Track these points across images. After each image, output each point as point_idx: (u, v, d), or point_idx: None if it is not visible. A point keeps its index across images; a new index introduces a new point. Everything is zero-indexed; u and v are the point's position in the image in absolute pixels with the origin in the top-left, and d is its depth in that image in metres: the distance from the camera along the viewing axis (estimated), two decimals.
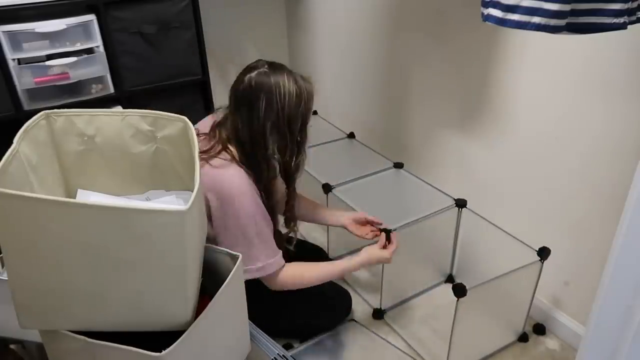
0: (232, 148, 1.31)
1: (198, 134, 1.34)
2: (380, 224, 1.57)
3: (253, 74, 1.26)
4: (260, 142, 1.28)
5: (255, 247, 1.31)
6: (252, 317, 1.25)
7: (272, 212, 1.37)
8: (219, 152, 1.31)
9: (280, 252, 1.37)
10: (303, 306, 1.52)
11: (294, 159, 1.35)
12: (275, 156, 1.32)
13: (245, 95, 1.27)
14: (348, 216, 1.61)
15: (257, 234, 1.30)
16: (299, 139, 1.32)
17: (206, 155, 1.31)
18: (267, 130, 1.27)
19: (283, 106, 1.26)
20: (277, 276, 1.36)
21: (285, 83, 1.26)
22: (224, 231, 1.30)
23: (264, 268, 1.33)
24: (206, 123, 1.42)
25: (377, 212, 1.61)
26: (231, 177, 1.28)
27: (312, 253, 1.75)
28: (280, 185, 1.43)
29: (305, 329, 1.59)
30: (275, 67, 1.28)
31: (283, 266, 1.37)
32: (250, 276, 1.33)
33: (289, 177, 1.40)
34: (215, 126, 1.36)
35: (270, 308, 1.46)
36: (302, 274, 1.40)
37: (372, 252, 1.46)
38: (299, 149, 1.34)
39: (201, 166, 1.24)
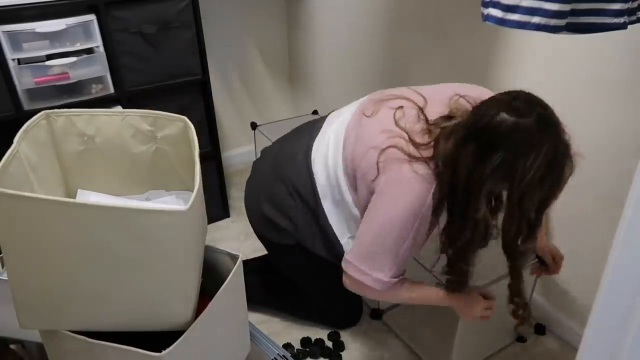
0: (435, 165, 1.09)
1: (423, 107, 1.17)
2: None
3: (512, 118, 0.98)
4: (474, 198, 1.04)
5: (386, 254, 1.17)
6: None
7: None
8: (425, 161, 1.10)
9: (403, 276, 1.23)
10: (320, 289, 1.52)
11: (519, 241, 1.09)
12: (493, 223, 1.09)
13: (488, 132, 1.00)
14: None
15: (391, 248, 1.16)
16: (531, 220, 1.06)
17: (413, 153, 1.11)
18: (492, 184, 1.02)
19: (526, 173, 0.98)
20: (395, 289, 1.22)
21: (542, 151, 0.97)
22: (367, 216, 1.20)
23: (382, 282, 1.19)
24: (442, 93, 1.21)
25: None
26: (415, 193, 1.10)
27: None
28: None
29: (307, 309, 1.60)
30: (544, 124, 0.99)
31: (404, 283, 1.24)
32: (360, 277, 1.20)
33: (510, 258, 1.18)
34: (442, 120, 1.12)
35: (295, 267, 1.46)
36: (418, 288, 1.26)
37: (478, 301, 1.24)
38: (529, 233, 1.08)
39: (398, 161, 1.11)
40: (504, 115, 0.98)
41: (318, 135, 1.39)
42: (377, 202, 1.17)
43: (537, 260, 1.39)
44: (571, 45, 1.30)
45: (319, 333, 1.60)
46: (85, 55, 1.76)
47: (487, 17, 0.93)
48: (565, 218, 1.46)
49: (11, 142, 0.96)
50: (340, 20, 2.20)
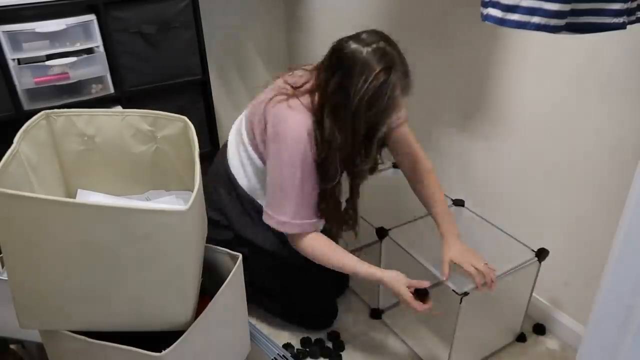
0: (315, 97, 1.22)
1: (299, 67, 1.35)
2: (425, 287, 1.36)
3: (354, 45, 1.15)
4: (322, 118, 1.19)
5: (287, 199, 1.25)
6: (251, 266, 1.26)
7: (330, 183, 1.28)
8: (303, 94, 1.24)
9: (315, 220, 1.30)
10: (293, 289, 1.52)
11: (356, 159, 1.24)
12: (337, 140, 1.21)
13: (333, 57, 1.18)
14: (447, 254, 1.37)
15: (293, 186, 1.24)
16: (364, 142, 1.20)
17: (291, 92, 1.25)
18: (327, 110, 1.18)
19: (353, 97, 1.14)
20: (299, 239, 1.30)
21: (371, 76, 1.12)
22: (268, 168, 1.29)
23: (284, 224, 1.28)
24: (294, 76, 1.36)
25: (374, 211, 1.61)
26: (296, 122, 1.21)
27: None
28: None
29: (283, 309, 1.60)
30: (379, 53, 1.14)
31: (310, 233, 1.30)
32: (270, 223, 1.30)
33: (350, 176, 1.31)
34: (317, 68, 1.27)
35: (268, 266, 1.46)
36: (327, 252, 1.32)
37: (398, 282, 1.29)
38: (364, 153, 1.23)
39: (278, 102, 1.24)
40: (349, 43, 1.16)
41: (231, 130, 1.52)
42: (268, 149, 1.27)
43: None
44: (571, 46, 1.30)
45: (319, 333, 1.60)
46: (85, 55, 1.76)
47: (486, 17, 0.93)
48: (565, 218, 1.46)
49: (11, 142, 0.96)
50: (339, 20, 2.20)
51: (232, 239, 1.43)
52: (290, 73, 1.38)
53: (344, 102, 1.15)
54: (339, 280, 1.71)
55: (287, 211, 1.26)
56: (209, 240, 1.25)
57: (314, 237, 1.32)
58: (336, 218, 1.37)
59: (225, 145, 1.52)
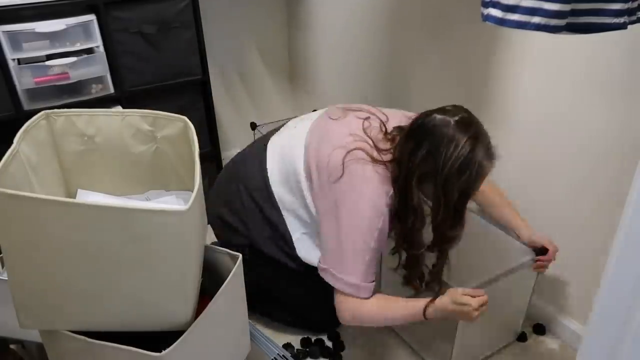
0: (398, 168, 1.22)
1: (380, 121, 1.33)
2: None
3: (439, 116, 1.17)
4: (409, 187, 1.19)
5: (351, 260, 1.24)
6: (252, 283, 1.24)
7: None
8: (384, 162, 1.24)
9: (373, 283, 1.27)
10: (297, 298, 1.52)
11: (447, 227, 1.22)
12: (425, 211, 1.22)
13: (418, 129, 1.19)
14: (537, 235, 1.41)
15: (365, 250, 1.23)
16: (455, 209, 1.19)
17: (376, 156, 1.24)
18: (415, 179, 1.18)
19: (443, 167, 1.14)
20: (362, 304, 1.25)
21: (460, 144, 1.13)
22: (326, 218, 1.27)
23: (359, 288, 1.23)
24: (400, 114, 1.37)
25: None
26: (377, 190, 1.22)
27: None
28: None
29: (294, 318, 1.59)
30: (464, 124, 1.17)
31: (370, 296, 1.26)
32: (337, 285, 1.25)
33: (438, 244, 1.28)
34: (400, 137, 1.25)
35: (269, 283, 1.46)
36: (385, 311, 1.27)
37: (462, 298, 1.20)
38: (454, 221, 1.22)
39: (360, 162, 1.22)
40: (434, 115, 1.18)
41: (274, 136, 1.47)
42: (341, 204, 1.24)
43: (535, 258, 1.39)
44: (571, 46, 1.30)
45: (319, 333, 1.60)
46: (85, 55, 1.76)
47: (487, 17, 0.93)
48: (565, 218, 1.46)
49: (11, 142, 0.96)
50: (340, 20, 2.20)
51: (246, 247, 1.41)
52: (367, 116, 1.35)
53: (434, 170, 1.15)
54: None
55: (355, 271, 1.23)
56: (226, 244, 1.25)
57: (375, 298, 1.27)
58: (418, 282, 1.35)
59: (260, 150, 1.45)
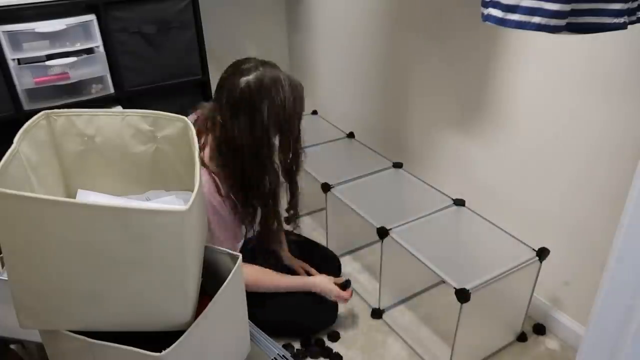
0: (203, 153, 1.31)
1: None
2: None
3: (250, 77, 1.22)
4: (265, 145, 1.27)
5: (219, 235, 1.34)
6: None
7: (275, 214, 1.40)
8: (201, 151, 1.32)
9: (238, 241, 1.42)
10: (289, 305, 1.53)
11: (295, 157, 1.35)
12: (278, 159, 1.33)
13: (244, 99, 1.22)
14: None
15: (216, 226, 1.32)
16: (297, 136, 1.33)
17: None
18: (271, 132, 1.26)
19: (284, 105, 1.24)
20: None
21: (282, 81, 1.24)
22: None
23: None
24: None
25: (376, 211, 1.62)
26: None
27: (323, 260, 1.75)
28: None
29: (288, 328, 1.59)
30: (269, 66, 1.26)
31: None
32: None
33: (291, 175, 1.41)
34: (202, 129, 1.33)
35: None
36: (255, 278, 1.45)
37: (323, 282, 1.53)
38: (298, 146, 1.35)
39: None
40: (244, 79, 1.22)
41: None
42: None
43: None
44: (571, 46, 1.30)
45: (319, 333, 1.60)
46: (85, 55, 1.76)
47: (487, 17, 0.93)
48: (565, 218, 1.46)
49: (11, 142, 0.96)
50: (340, 21, 2.20)
51: None
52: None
53: (275, 121, 1.25)
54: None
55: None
56: None
57: (245, 267, 1.38)
58: (277, 230, 1.46)
59: None
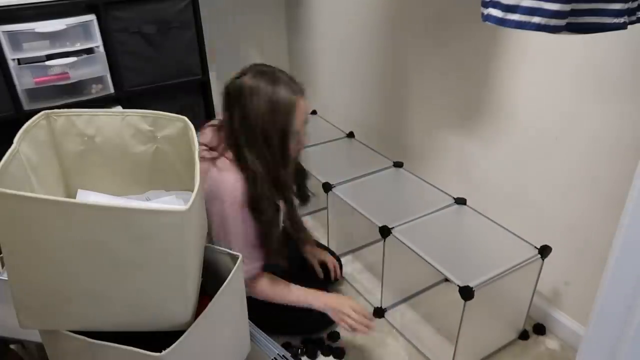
0: (229, 151, 1.32)
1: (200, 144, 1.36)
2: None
3: (237, 80, 1.26)
4: (242, 152, 1.28)
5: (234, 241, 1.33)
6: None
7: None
8: (219, 157, 1.32)
9: (259, 263, 1.39)
10: (289, 305, 1.51)
11: (279, 171, 1.31)
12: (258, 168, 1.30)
13: (225, 95, 1.29)
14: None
15: (238, 235, 1.33)
16: (281, 151, 1.29)
17: (208, 155, 1.32)
18: (242, 140, 1.27)
19: (254, 116, 1.24)
20: (254, 283, 1.40)
21: (259, 93, 1.23)
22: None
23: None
24: (207, 135, 1.41)
25: (376, 211, 1.62)
26: (228, 182, 1.29)
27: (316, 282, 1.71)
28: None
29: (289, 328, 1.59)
30: (263, 76, 1.26)
31: (262, 276, 1.41)
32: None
33: (279, 191, 1.36)
34: (217, 131, 1.37)
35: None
36: (281, 292, 1.43)
37: (342, 302, 1.41)
38: (284, 162, 1.31)
39: (205, 172, 1.30)
40: (233, 81, 1.26)
41: None
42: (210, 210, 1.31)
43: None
44: (571, 46, 1.30)
45: (319, 333, 1.60)
46: (85, 55, 1.76)
47: (487, 17, 0.93)
48: (565, 218, 1.46)
49: (11, 142, 0.96)
50: (340, 21, 2.20)
51: None
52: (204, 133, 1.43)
53: (252, 125, 1.25)
54: (324, 279, 1.71)
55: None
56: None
57: (266, 278, 1.42)
58: (283, 244, 1.44)
59: None
